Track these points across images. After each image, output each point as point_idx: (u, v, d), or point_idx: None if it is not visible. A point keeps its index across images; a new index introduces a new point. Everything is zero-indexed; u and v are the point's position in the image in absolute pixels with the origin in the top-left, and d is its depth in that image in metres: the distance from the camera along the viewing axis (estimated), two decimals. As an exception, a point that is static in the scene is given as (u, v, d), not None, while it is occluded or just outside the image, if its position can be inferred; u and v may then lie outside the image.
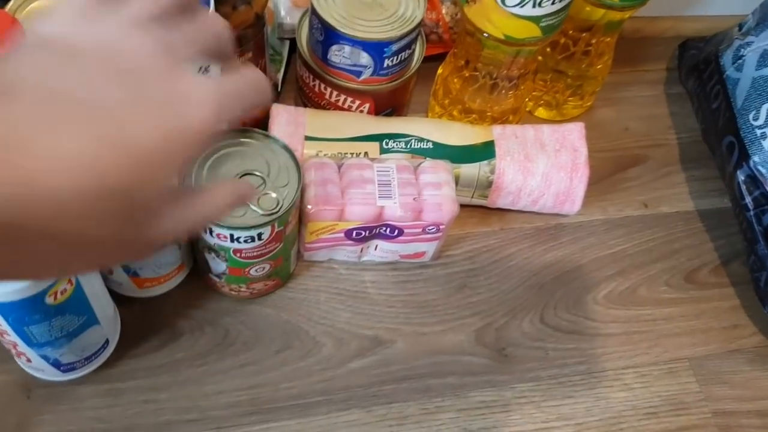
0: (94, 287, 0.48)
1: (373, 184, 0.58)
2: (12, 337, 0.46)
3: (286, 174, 0.53)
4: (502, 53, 0.62)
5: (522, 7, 0.57)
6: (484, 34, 0.60)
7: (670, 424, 0.59)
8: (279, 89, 0.72)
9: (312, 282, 0.63)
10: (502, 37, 0.60)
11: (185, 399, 0.55)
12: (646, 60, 0.84)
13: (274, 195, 0.52)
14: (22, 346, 0.47)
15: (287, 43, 0.73)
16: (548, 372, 0.60)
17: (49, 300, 0.43)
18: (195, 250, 0.58)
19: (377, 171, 0.58)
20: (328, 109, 0.66)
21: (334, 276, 0.63)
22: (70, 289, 0.44)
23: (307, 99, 0.68)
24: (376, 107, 0.66)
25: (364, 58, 0.61)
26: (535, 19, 0.58)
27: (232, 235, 0.51)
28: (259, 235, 0.52)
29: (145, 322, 0.58)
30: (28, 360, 0.50)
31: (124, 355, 0.56)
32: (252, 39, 0.57)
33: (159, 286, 0.58)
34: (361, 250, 0.62)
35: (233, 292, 0.59)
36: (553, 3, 0.57)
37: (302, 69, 0.66)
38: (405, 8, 0.61)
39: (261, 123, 0.64)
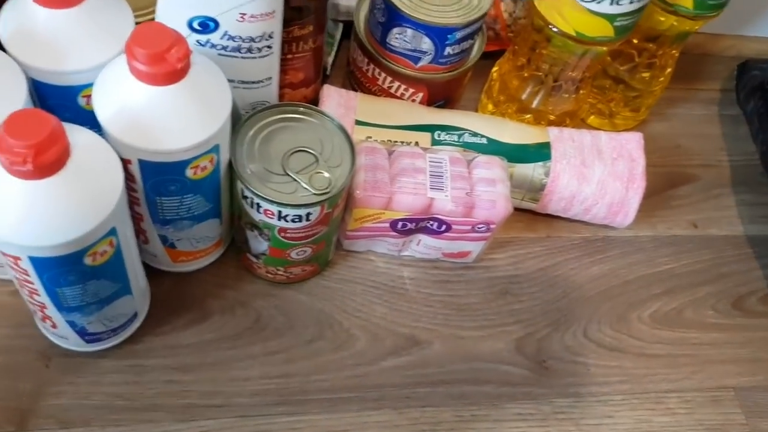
0: (131, 254, 0.45)
1: (425, 175, 0.55)
2: (42, 297, 0.43)
3: (339, 154, 0.50)
4: (568, 52, 0.60)
5: (599, 3, 0.54)
6: (554, 29, 0.58)
7: (714, 454, 0.56)
8: (328, 72, 0.69)
9: (349, 272, 0.60)
10: (573, 34, 0.57)
11: (210, 383, 0.53)
12: (703, 78, 0.81)
13: (326, 174, 0.49)
14: (50, 309, 0.44)
15: (340, 26, 0.70)
16: (589, 389, 0.58)
17: (88, 260, 0.40)
18: (235, 227, 0.55)
19: (429, 161, 0.56)
20: (380, 95, 0.64)
21: (371, 268, 0.60)
22: (110, 251, 0.42)
23: (358, 83, 0.65)
24: (429, 97, 0.63)
25: (426, 44, 0.58)
26: (610, 18, 0.55)
27: (280, 212, 0.48)
28: (308, 215, 0.49)
29: (175, 298, 0.55)
30: (53, 326, 0.47)
31: (150, 332, 0.54)
32: (314, 12, 0.54)
33: (194, 261, 0.55)
34: (403, 244, 0.59)
35: (269, 275, 0.56)
36: (631, 2, 0.54)
37: (356, 52, 0.64)
38: (473, -4, 0.59)
39: (310, 103, 0.62)
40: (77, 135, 0.37)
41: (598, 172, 0.61)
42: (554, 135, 0.62)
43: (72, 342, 0.50)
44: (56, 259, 0.39)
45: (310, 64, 0.59)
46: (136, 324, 0.52)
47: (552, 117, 0.65)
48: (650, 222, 0.68)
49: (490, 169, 0.56)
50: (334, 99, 0.61)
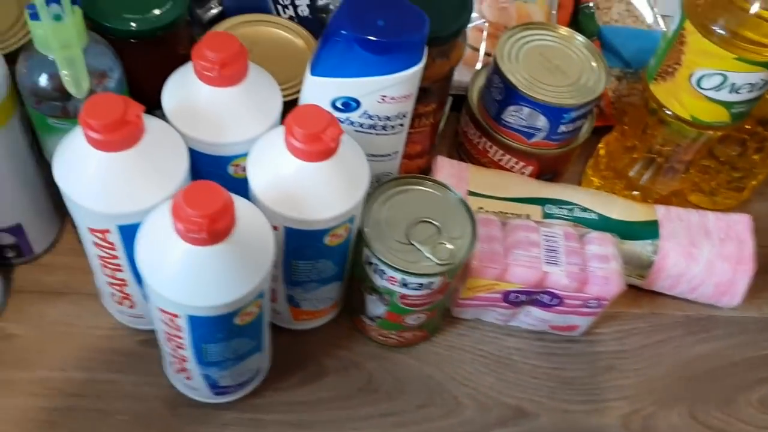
0: (267, 313, 0.48)
1: (539, 248, 0.56)
2: (187, 351, 0.46)
3: (460, 226, 0.52)
4: (681, 135, 0.61)
5: (717, 91, 0.56)
6: (669, 113, 0.59)
7: None
8: (435, 142, 0.72)
9: (457, 339, 0.61)
10: (689, 119, 0.58)
11: (323, 440, 0.54)
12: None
13: (449, 245, 0.51)
14: (190, 363, 0.47)
15: (450, 99, 0.73)
16: (696, 472, 0.57)
17: (237, 320, 0.43)
18: (352, 290, 0.57)
19: (544, 235, 0.57)
20: (488, 166, 0.66)
21: (479, 337, 0.62)
22: (256, 312, 0.44)
23: (467, 154, 0.68)
24: (538, 171, 0.65)
25: (541, 122, 0.60)
26: (727, 105, 0.57)
27: (403, 280, 0.50)
28: (429, 284, 0.51)
29: (293, 355, 0.58)
30: (188, 378, 0.50)
31: (269, 386, 0.56)
32: (437, 92, 0.57)
33: (313, 320, 0.57)
34: (512, 315, 0.60)
35: (381, 338, 0.58)
36: (750, 90, 0.55)
37: (468, 125, 0.66)
38: (587, 78, 0.61)
39: (423, 173, 0.65)
40: (238, 203, 0.40)
41: (706, 252, 0.61)
42: (662, 213, 0.63)
43: (201, 393, 0.52)
44: (212, 318, 0.42)
45: (427, 137, 0.62)
46: (259, 379, 0.55)
47: (659, 196, 0.66)
48: (756, 303, 0.68)
49: (603, 246, 0.57)
50: (447, 170, 0.63)
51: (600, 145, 0.71)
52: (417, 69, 0.47)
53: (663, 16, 0.78)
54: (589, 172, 0.71)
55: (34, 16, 0.41)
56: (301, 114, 0.42)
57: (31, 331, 0.56)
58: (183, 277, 0.40)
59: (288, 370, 0.57)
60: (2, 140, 0.49)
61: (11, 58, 0.48)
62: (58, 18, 0.40)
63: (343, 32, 0.44)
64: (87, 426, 0.52)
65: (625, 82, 0.75)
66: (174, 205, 0.38)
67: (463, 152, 0.69)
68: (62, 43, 0.41)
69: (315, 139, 0.42)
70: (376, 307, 0.55)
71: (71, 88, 0.42)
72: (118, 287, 0.51)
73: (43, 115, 0.46)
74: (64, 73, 0.42)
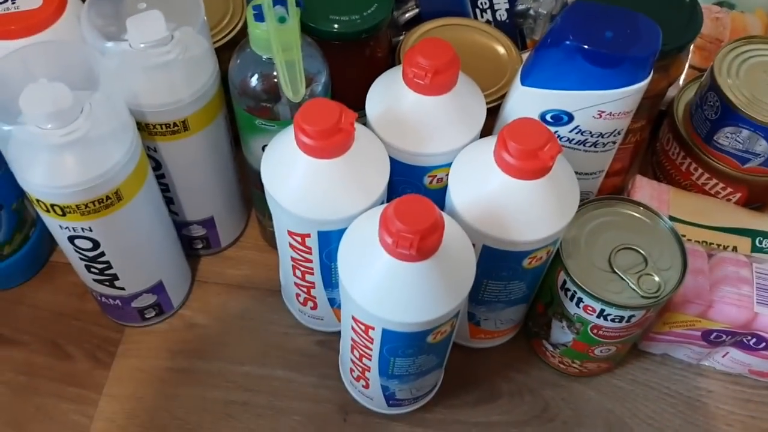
0: (455, 331, 0.46)
1: (751, 286, 0.51)
2: (372, 362, 0.45)
3: (669, 257, 0.48)
4: None
5: None
6: None
7: None
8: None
9: (642, 374, 0.57)
10: None
11: (494, 465, 0.52)
12: None
13: (656, 278, 0.47)
14: (372, 372, 0.46)
15: (648, 112, 0.68)
16: None
17: (430, 338, 0.41)
18: (536, 314, 0.54)
19: (756, 272, 0.52)
20: (690, 189, 0.61)
21: (666, 374, 0.57)
22: (448, 331, 0.42)
23: (666, 174, 0.63)
24: (747, 198, 0.59)
25: (761, 146, 0.55)
26: None
27: (602, 311, 0.47)
28: (630, 317, 0.47)
29: (467, 373, 0.55)
30: (366, 386, 0.49)
31: (440, 402, 0.54)
32: (648, 109, 0.53)
33: (490, 339, 0.55)
34: (707, 354, 0.55)
35: (561, 365, 0.55)
36: None
37: (671, 144, 0.61)
38: (819, 100, 0.54)
39: (617, 192, 0.60)
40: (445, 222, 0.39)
41: None
42: None
43: (375, 403, 0.51)
44: (407, 334, 0.40)
45: (630, 155, 0.58)
46: (432, 394, 0.53)
47: None
48: None
49: (825, 290, 0.51)
50: (647, 191, 0.58)
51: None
52: (642, 85, 0.43)
53: None
54: (803, 202, 0.64)
55: (259, 17, 0.40)
56: (518, 128, 0.40)
57: (213, 322, 0.57)
58: (384, 291, 0.38)
59: (461, 388, 0.55)
60: (209, 137, 0.49)
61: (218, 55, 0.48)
62: (282, 20, 0.40)
63: (567, 42, 0.41)
64: (260, 422, 0.53)
65: None
66: (383, 218, 0.36)
67: (661, 171, 0.64)
68: (284, 46, 0.40)
69: (531, 156, 0.39)
70: (562, 335, 0.52)
71: (288, 92, 0.41)
72: (305, 289, 0.50)
73: (251, 116, 0.46)
74: (282, 76, 0.41)
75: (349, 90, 0.49)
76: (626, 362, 0.57)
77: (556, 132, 0.47)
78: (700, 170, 0.59)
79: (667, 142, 0.62)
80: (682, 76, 0.66)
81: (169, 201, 0.53)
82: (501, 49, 0.57)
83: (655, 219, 0.50)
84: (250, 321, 0.58)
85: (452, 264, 0.39)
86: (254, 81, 0.45)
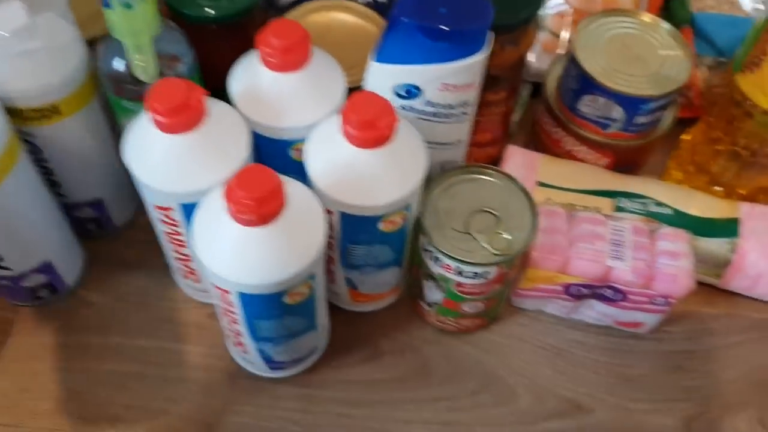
0: (322, 295, 0.49)
1: (605, 242, 0.55)
2: (240, 326, 0.48)
3: (520, 217, 0.52)
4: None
5: (806, 83, 0.52)
6: (754, 106, 0.56)
7: None
8: (513, 130, 0.71)
9: (517, 329, 0.61)
10: (776, 112, 0.55)
11: (376, 420, 0.55)
12: None
13: (507, 236, 0.50)
14: (245, 337, 0.49)
15: (529, 86, 0.72)
16: (761, 481, 0.55)
17: (287, 299, 0.44)
18: (412, 276, 0.58)
19: (611, 229, 0.56)
20: (563, 157, 0.65)
21: (540, 328, 0.61)
22: (306, 293, 0.45)
23: (542, 144, 0.66)
24: (614, 163, 0.63)
25: (617, 112, 0.59)
26: (818, 98, 0.53)
27: (458, 268, 0.50)
28: (485, 273, 0.51)
29: (351, 336, 0.59)
30: (244, 351, 0.52)
31: (325, 364, 0.57)
32: (508, 80, 0.57)
33: (372, 302, 0.58)
34: (574, 307, 0.59)
35: (439, 323, 0.59)
36: (843, 83, 0.52)
37: (544, 114, 0.65)
38: (669, 68, 0.58)
39: (493, 162, 0.64)
40: (292, 187, 0.41)
41: (791, 253, 0.58)
42: (745, 211, 0.60)
43: (258, 367, 0.54)
44: (261, 296, 0.43)
45: (498, 125, 0.61)
46: (316, 356, 0.56)
47: (744, 192, 0.63)
48: (843, 310, 0.64)
49: (675, 243, 0.55)
50: (518, 159, 0.62)
51: (685, 137, 0.68)
52: (478, 58, 0.46)
53: (764, 1, 0.74)
54: (671, 165, 0.69)
55: (106, 4, 0.43)
56: (357, 101, 0.43)
57: (108, 300, 0.60)
58: (232, 256, 0.41)
59: (345, 350, 0.58)
60: (84, 120, 0.51)
61: (94, 45, 0.50)
62: (128, 6, 0.42)
63: (404, 19, 0.44)
64: (153, 391, 0.55)
65: (718, 72, 0.72)
66: (227, 187, 0.39)
67: (539, 142, 0.67)
68: (131, 31, 0.43)
69: (369, 126, 0.42)
70: (433, 294, 0.55)
71: (140, 73, 0.44)
72: (183, 262, 0.53)
73: (118, 98, 0.49)
74: (134, 59, 0.44)
75: (227, 72, 0.51)
76: (503, 319, 0.61)
77: (410, 105, 0.50)
78: (568, 138, 0.63)
79: (541, 114, 0.66)
80: (560, 51, 0.70)
81: (55, 184, 0.55)
82: (374, 30, 0.60)
83: (510, 183, 0.53)
84: (143, 297, 0.60)
85: (298, 228, 0.42)
86: (116, 64, 0.47)
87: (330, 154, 0.45)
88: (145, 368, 0.57)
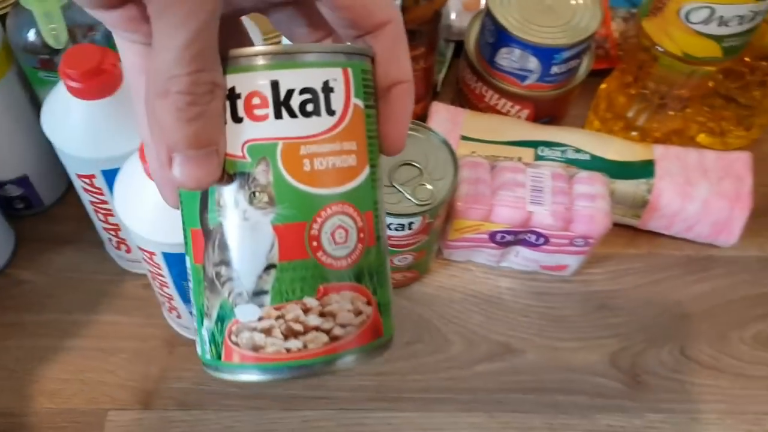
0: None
1: (525, 189, 0.57)
2: (171, 290, 0.48)
3: (442, 168, 0.53)
4: (675, 72, 0.60)
5: (706, 24, 0.55)
6: (660, 50, 0.58)
7: (814, 482, 0.55)
8: (438, 89, 0.72)
9: (448, 280, 0.62)
10: (680, 54, 0.58)
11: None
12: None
13: (429, 187, 0.52)
14: (177, 301, 0.50)
15: (452, 45, 0.73)
16: (683, 406, 0.58)
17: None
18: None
19: (530, 176, 0.58)
20: (486, 112, 0.66)
21: (470, 278, 0.63)
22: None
23: (466, 101, 0.68)
24: (535, 114, 0.65)
25: (532, 63, 0.60)
26: (718, 39, 0.56)
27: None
28: (410, 224, 0.52)
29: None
30: (179, 316, 0.53)
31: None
32: (426, 35, 0.58)
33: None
34: (502, 255, 0.61)
35: (372, 279, 0.60)
36: (740, 23, 0.54)
37: (466, 70, 0.66)
38: (580, 18, 0.60)
39: (419, 119, 0.65)
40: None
41: (703, 190, 0.61)
42: (659, 153, 0.62)
43: (193, 332, 0.55)
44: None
45: (420, 82, 0.63)
46: (252, 318, 0.57)
47: (658, 135, 0.65)
48: (758, 242, 0.67)
49: (591, 185, 0.57)
50: (442, 115, 0.64)
51: (601, 87, 0.70)
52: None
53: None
54: (590, 114, 0.71)
55: (9, -29, 0.43)
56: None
57: (40, 277, 0.60)
58: (154, 216, 0.42)
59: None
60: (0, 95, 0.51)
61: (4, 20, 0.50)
62: (33, -26, 0.42)
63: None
64: (90, 364, 0.56)
65: (632, 23, 0.74)
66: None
67: (463, 98, 0.69)
68: (39, -2, 0.43)
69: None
70: (363, 249, 0.57)
71: (50, 41, 0.44)
72: (113, 232, 0.53)
73: (34, 69, 0.49)
74: (42, 26, 0.44)
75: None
76: (434, 271, 0.63)
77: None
78: (490, 91, 0.65)
79: (463, 70, 0.67)
80: (458, 5, 0.71)
81: (-24, 162, 0.55)
82: None
83: (431, 135, 0.55)
84: (76, 273, 0.60)
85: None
86: (27, 33, 0.47)
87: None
88: (81, 342, 0.57)
